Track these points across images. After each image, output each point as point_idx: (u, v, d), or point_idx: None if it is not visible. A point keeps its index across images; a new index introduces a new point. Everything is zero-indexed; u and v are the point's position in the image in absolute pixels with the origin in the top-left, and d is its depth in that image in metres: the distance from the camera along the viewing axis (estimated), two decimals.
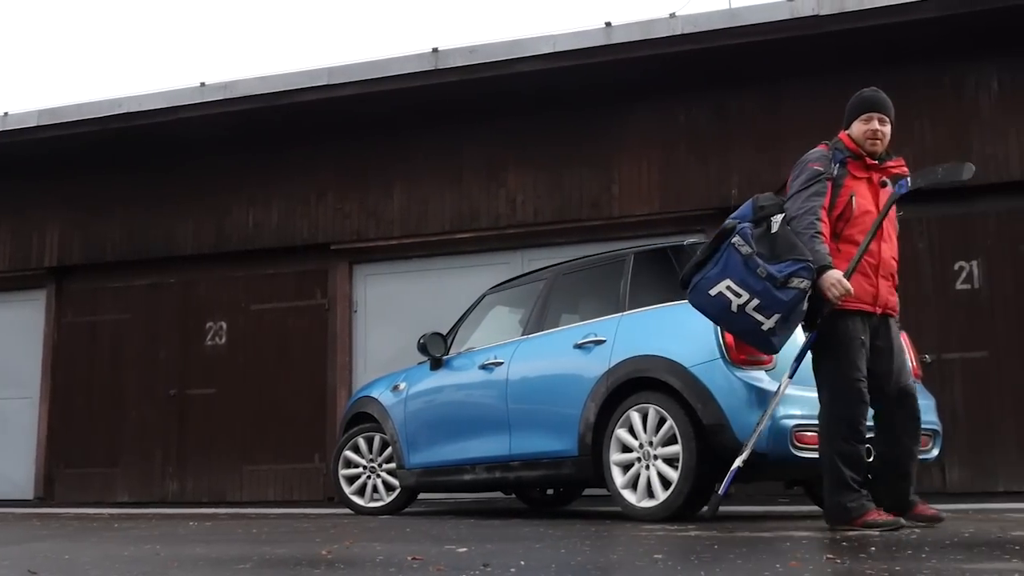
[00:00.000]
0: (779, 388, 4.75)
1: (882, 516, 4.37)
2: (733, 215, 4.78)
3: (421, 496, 8.00)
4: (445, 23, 32.41)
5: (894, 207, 4.65)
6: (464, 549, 3.73)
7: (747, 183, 8.55)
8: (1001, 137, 8.05)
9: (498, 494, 7.96)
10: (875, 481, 4.58)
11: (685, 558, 3.34)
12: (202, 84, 9.53)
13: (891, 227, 4.69)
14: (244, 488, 9.83)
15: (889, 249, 4.62)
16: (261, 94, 9.38)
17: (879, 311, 4.54)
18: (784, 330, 4.52)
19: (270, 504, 9.22)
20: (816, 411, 4.81)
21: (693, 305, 4.79)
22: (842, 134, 4.74)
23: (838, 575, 2.90)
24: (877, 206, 4.58)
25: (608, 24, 8.40)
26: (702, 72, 8.61)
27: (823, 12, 7.91)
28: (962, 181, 4.66)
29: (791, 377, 4.72)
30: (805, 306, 4.44)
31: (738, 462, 4.73)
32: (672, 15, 8.26)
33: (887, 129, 4.66)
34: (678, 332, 5.41)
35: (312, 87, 9.23)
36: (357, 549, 3.88)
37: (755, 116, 8.68)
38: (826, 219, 4.53)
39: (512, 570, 3.06)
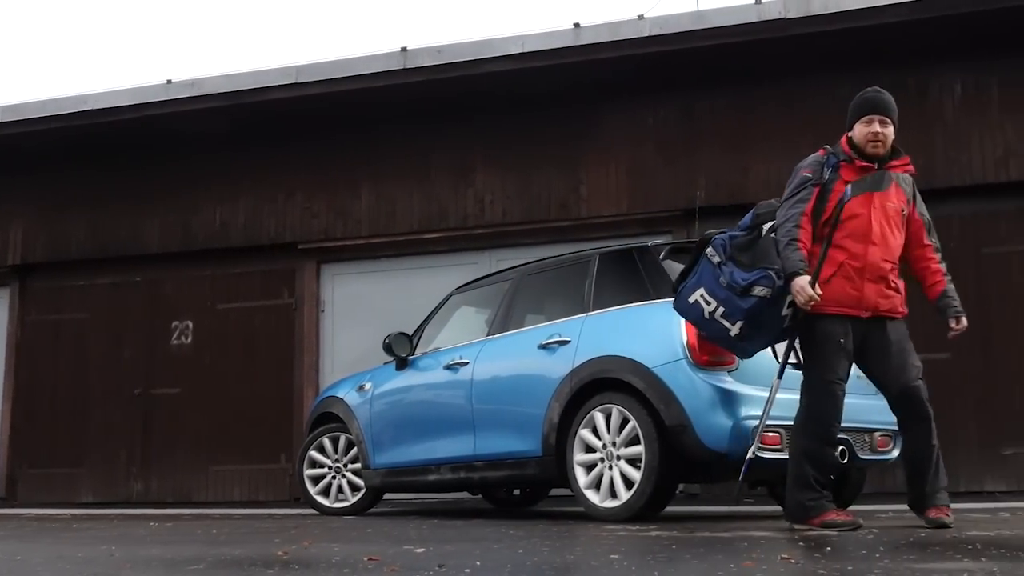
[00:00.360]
0: (772, 388, 4.77)
1: (840, 516, 4.42)
2: (740, 223, 4.88)
3: (388, 497, 7.98)
4: (414, 23, 32.37)
5: (900, 207, 4.58)
6: (422, 550, 3.72)
7: (714, 185, 8.60)
8: (964, 141, 8.13)
9: (465, 494, 7.96)
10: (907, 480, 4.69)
11: (641, 558, 3.35)
12: (169, 81, 9.46)
13: (889, 229, 4.58)
14: (210, 488, 9.76)
15: (880, 252, 4.54)
16: (228, 92, 9.33)
17: (866, 315, 4.53)
18: (754, 336, 4.64)
19: (236, 504, 9.16)
20: (776, 412, 4.90)
21: (677, 312, 4.91)
22: (844, 136, 4.74)
23: (790, 575, 2.91)
24: (870, 209, 4.55)
25: (577, 25, 8.41)
26: (670, 74, 8.65)
27: (790, 15, 7.96)
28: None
29: (779, 378, 4.76)
30: (786, 311, 4.53)
31: (751, 453, 4.77)
32: (640, 17, 8.29)
33: (889, 131, 4.62)
34: (642, 333, 5.42)
35: (280, 85, 9.19)
36: (315, 550, 3.86)
37: (722, 118, 8.72)
38: (807, 225, 4.56)
39: (467, 571, 3.05)
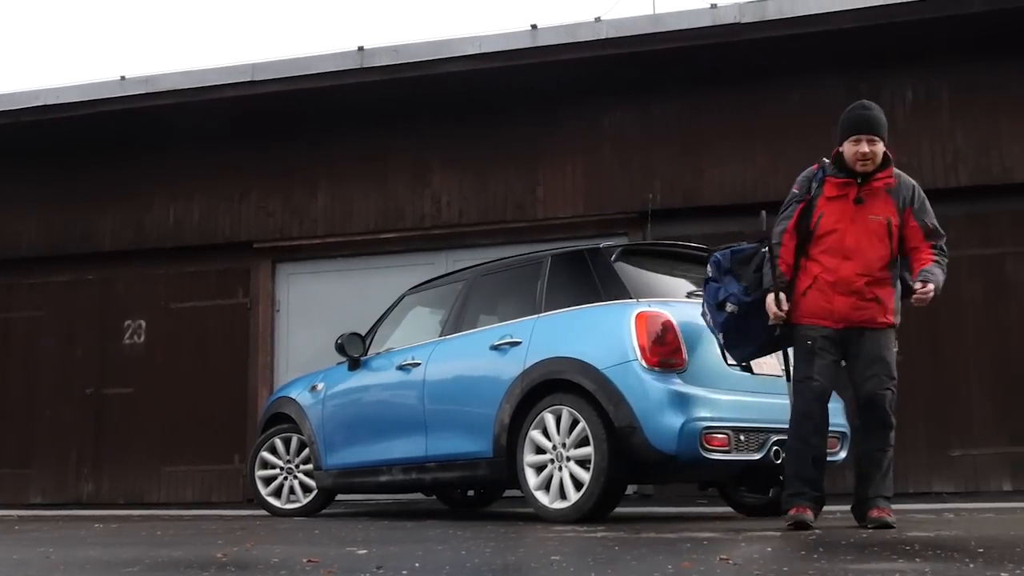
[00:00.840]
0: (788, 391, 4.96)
1: (800, 512, 4.54)
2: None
3: (343, 498, 7.95)
4: (372, 22, 32.27)
5: (883, 219, 4.64)
6: (365, 551, 3.70)
7: (669, 187, 8.66)
8: (914, 146, 8.23)
9: (420, 496, 7.94)
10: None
11: (582, 559, 3.35)
12: (123, 78, 9.35)
13: (869, 242, 4.64)
14: (162, 489, 9.66)
15: (855, 266, 4.63)
16: (183, 89, 9.24)
17: (839, 326, 4.65)
18: (739, 345, 5.00)
19: (188, 506, 9.07)
20: (724, 414, 5.12)
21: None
22: (835, 149, 4.80)
23: (726, 575, 2.92)
24: (853, 223, 4.65)
25: (534, 27, 8.43)
26: (627, 76, 8.69)
27: (745, 20, 8.03)
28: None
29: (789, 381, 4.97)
30: (773, 322, 4.77)
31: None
32: (597, 19, 8.32)
33: (877, 148, 4.66)
34: (592, 334, 5.43)
35: (235, 83, 9.12)
36: (256, 551, 3.83)
37: (678, 121, 8.78)
38: (788, 242, 4.75)
39: (404, 572, 3.04)
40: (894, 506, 4.77)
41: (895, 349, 4.76)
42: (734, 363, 5.23)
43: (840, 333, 4.66)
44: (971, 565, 3.08)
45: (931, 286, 4.60)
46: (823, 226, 4.68)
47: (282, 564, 3.31)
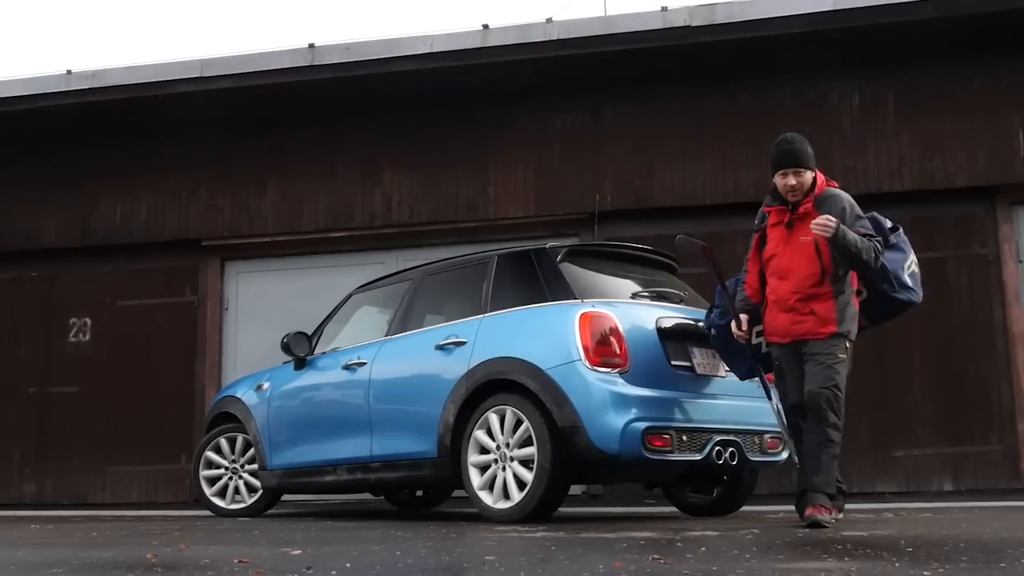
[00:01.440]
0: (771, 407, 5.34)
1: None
2: None
3: (290, 498, 7.89)
4: (323, 21, 32.07)
5: (810, 240, 4.90)
6: (299, 552, 3.67)
7: (620, 188, 8.69)
8: (861, 150, 8.34)
9: (369, 496, 7.89)
10: None
11: (515, 559, 3.35)
12: (68, 72, 9.22)
13: (801, 262, 4.95)
14: (107, 490, 9.54)
15: (789, 285, 4.98)
16: (130, 84, 9.12)
17: (788, 340, 5.01)
18: (730, 361, 5.43)
19: (134, 506, 8.95)
20: (667, 414, 5.18)
21: None
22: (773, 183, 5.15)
23: (655, 574, 2.93)
24: (787, 246, 5.01)
25: (485, 27, 8.42)
26: (578, 77, 8.71)
27: (695, 23, 8.09)
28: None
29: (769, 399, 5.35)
30: (756, 340, 5.19)
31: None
32: (549, 20, 8.34)
33: (804, 178, 5.01)
34: (537, 334, 5.43)
35: (184, 79, 9.03)
36: (189, 552, 3.78)
37: (628, 122, 8.82)
38: (751, 268, 5.21)
39: (334, 572, 3.02)
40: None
41: (841, 355, 4.90)
42: (677, 364, 5.40)
43: (792, 346, 4.99)
44: (897, 564, 3.12)
45: (832, 221, 4.75)
46: (767, 251, 5.11)
47: (211, 565, 3.27)
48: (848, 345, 4.97)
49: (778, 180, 5.04)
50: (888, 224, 5.25)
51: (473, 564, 3.23)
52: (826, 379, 4.83)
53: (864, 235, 4.90)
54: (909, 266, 5.18)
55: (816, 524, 4.57)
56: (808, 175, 5.02)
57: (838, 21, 7.98)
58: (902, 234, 5.26)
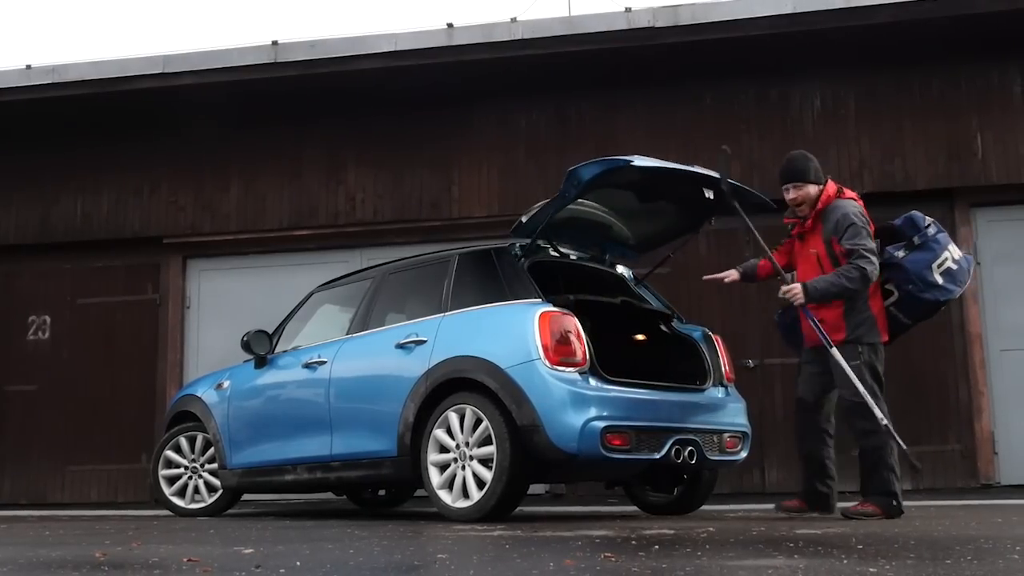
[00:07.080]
0: None
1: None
2: None
3: (251, 498, 7.83)
4: (287, 18, 31.91)
5: (813, 252, 5.40)
6: (251, 551, 3.65)
7: None
8: (822, 152, 8.33)
9: (331, 496, 7.86)
10: None
11: (467, 558, 3.34)
12: (28, 67, 9.10)
13: (809, 273, 5.36)
14: (66, 489, 9.43)
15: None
16: (92, 80, 9.02)
17: (810, 345, 5.47)
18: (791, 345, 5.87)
19: (93, 506, 8.85)
20: (625, 413, 5.18)
21: None
22: None
23: (605, 572, 2.94)
24: (800, 257, 5.51)
25: (450, 25, 8.41)
26: (542, 77, 8.72)
27: (659, 24, 8.12)
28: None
29: None
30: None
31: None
32: (513, 20, 8.34)
33: (803, 192, 5.41)
34: (496, 333, 5.42)
35: (147, 75, 8.94)
36: (140, 551, 3.74)
37: (593, 123, 8.84)
38: (776, 254, 5.66)
39: (282, 571, 3.00)
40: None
41: (855, 360, 5.20)
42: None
43: (815, 350, 5.41)
44: (845, 561, 3.14)
45: (796, 288, 5.23)
46: (794, 263, 5.61)
47: (159, 563, 3.24)
48: (861, 349, 5.21)
49: (784, 195, 5.46)
50: (925, 223, 5.35)
51: (424, 562, 3.23)
52: (845, 390, 5.24)
53: (850, 250, 5.15)
54: (942, 263, 5.26)
55: (848, 517, 5.21)
56: (809, 188, 5.38)
57: (797, 24, 8.04)
58: (933, 232, 5.32)
